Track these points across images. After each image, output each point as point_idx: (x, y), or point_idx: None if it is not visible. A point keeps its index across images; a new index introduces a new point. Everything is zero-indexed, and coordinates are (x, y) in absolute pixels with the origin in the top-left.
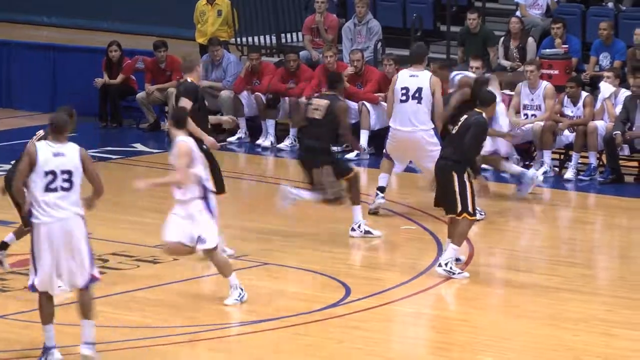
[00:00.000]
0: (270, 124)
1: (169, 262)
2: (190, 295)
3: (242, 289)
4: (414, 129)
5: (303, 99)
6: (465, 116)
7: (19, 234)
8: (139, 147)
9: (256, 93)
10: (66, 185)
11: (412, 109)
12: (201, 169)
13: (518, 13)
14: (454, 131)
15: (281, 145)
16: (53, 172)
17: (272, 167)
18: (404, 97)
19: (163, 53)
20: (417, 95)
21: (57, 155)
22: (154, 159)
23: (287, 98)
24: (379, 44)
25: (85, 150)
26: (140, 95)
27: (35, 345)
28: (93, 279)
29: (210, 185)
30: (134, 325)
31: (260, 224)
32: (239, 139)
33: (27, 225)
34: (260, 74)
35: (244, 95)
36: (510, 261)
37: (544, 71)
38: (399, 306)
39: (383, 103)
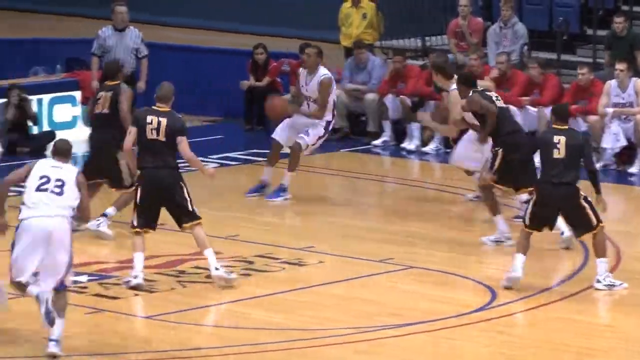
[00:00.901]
0: (415, 127)
1: (314, 265)
2: (336, 297)
3: None
4: None
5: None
6: (560, 137)
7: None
8: (285, 149)
9: (401, 96)
10: (57, 190)
11: None
12: None
13: None
14: (560, 155)
15: (426, 149)
16: (47, 177)
17: (417, 170)
18: None
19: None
20: None
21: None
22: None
23: (432, 102)
24: (525, 48)
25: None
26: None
27: (182, 346)
28: (62, 285)
29: None
30: (280, 327)
31: (405, 227)
32: (384, 142)
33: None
34: (405, 77)
35: (389, 99)
36: None
37: None
38: (545, 311)
39: (529, 107)
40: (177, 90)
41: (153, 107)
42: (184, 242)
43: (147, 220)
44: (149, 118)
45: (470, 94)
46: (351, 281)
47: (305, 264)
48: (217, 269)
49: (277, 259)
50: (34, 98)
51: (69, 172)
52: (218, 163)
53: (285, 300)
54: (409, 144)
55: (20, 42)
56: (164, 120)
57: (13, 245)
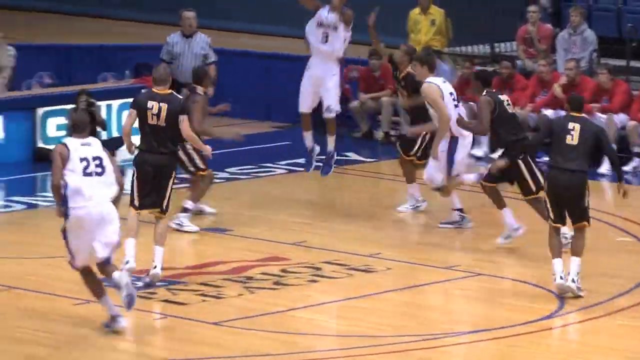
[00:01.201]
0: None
1: (382, 271)
2: (403, 304)
3: None
4: None
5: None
6: (575, 124)
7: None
8: (352, 155)
9: (469, 102)
10: (99, 170)
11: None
12: None
13: None
14: (572, 142)
15: (494, 155)
16: (85, 159)
17: None
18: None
19: (377, 62)
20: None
21: (85, 145)
22: (367, 168)
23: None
24: (594, 54)
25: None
26: (354, 104)
27: (248, 353)
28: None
29: None
30: (344, 334)
31: (473, 235)
32: None
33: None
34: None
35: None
36: None
37: None
38: (614, 319)
39: (598, 114)
40: (246, 97)
41: (152, 90)
42: (251, 248)
43: (145, 202)
44: (149, 103)
45: (484, 93)
46: (418, 288)
47: (372, 271)
48: (162, 268)
49: (345, 265)
50: (102, 104)
51: (98, 147)
52: (285, 169)
53: (352, 307)
54: (477, 151)
55: (89, 48)
56: (164, 106)
57: (65, 232)
